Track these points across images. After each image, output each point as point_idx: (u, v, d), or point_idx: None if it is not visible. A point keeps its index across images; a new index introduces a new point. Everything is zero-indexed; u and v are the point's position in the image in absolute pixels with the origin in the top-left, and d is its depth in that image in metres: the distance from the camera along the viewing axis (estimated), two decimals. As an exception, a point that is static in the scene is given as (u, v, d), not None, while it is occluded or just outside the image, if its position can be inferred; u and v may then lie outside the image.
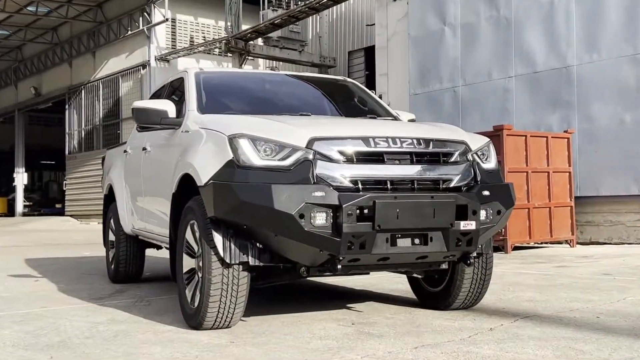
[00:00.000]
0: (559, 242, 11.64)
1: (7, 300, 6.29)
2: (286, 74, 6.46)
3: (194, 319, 4.52)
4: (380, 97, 16.06)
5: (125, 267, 7.33)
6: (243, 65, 21.25)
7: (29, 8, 25.93)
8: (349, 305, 5.47)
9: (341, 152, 4.20)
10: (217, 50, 22.55)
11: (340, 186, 4.11)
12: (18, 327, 4.87)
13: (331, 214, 4.01)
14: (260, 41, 21.20)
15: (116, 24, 25.92)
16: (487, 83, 13.52)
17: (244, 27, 21.14)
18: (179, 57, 23.72)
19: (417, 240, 4.24)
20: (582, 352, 3.74)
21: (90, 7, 26.11)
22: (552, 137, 11.58)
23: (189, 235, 4.69)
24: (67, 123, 29.35)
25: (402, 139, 4.36)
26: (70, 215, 28.18)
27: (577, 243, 11.72)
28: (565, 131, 11.93)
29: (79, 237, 19.04)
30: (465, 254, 4.54)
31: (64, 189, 30.31)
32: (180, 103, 5.64)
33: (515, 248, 10.85)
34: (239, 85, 6.16)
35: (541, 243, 11.42)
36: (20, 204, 33.63)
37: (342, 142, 4.24)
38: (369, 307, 5.40)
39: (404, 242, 4.21)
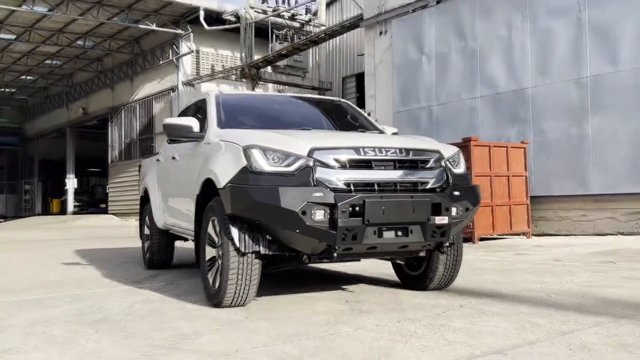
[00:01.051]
0: (517, 234, 11.62)
1: (60, 284, 6.28)
2: (291, 96, 6.45)
3: (215, 299, 4.52)
4: (369, 114, 16.06)
5: (158, 256, 7.34)
6: (255, 89, 21.28)
7: (79, 42, 25.95)
8: (343, 286, 5.47)
9: (336, 160, 4.20)
10: (233, 76, 22.59)
11: (336, 188, 4.11)
12: (69, 306, 4.86)
13: (328, 211, 4.00)
14: (269, 69, 21.23)
15: (150, 55, 25.93)
16: (457, 103, 13.52)
17: (256, 57, 21.17)
18: (202, 82, 23.72)
19: (399, 232, 4.23)
20: (537, 324, 3.74)
21: (129, 41, 26.14)
22: (511, 147, 11.56)
23: (210, 229, 4.69)
24: (110, 137, 29.35)
25: (386, 149, 4.36)
26: (112, 214, 28.17)
27: (532, 235, 11.70)
28: (522, 142, 11.92)
29: (119, 231, 19.00)
30: (440, 244, 4.53)
31: (107, 191, 30.33)
32: (202, 120, 5.63)
33: (481, 239, 10.82)
34: (252, 105, 6.17)
35: (502, 235, 11.40)
36: (70, 204, 33.63)
37: (337, 152, 4.24)
38: (360, 288, 5.39)
39: (389, 234, 4.20)
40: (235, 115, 5.62)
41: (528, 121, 12.21)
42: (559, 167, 11.71)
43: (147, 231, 7.66)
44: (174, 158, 6.30)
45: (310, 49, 21.98)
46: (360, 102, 19.75)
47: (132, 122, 27.56)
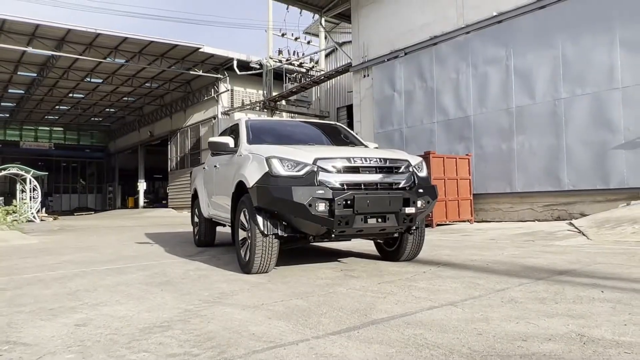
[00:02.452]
0: (464, 221, 11.58)
1: (134, 258, 6.26)
2: (300, 121, 6.39)
3: (246, 268, 4.50)
4: (356, 134, 16.10)
5: (204, 237, 7.28)
6: (273, 116, 21.24)
7: (146, 84, 25.94)
8: (338, 259, 5.43)
9: (333, 166, 4.20)
10: (257, 107, 22.50)
11: (334, 187, 4.10)
12: (141, 273, 4.84)
13: (328, 204, 3.99)
14: (284, 102, 21.19)
15: (198, 93, 25.85)
16: (420, 126, 13.48)
17: (274, 93, 21.14)
18: (235, 112, 23.67)
19: (379, 219, 4.21)
20: (479, 285, 3.71)
21: (182, 83, 26.08)
22: (458, 158, 11.51)
23: (242, 218, 4.66)
24: (169, 152, 29.26)
25: (370, 159, 4.34)
26: (172, 207, 28.06)
27: (475, 221, 11.65)
28: (467, 155, 11.88)
29: (176, 220, 18.97)
30: (409, 227, 4.52)
31: (167, 191, 30.24)
32: (236, 138, 5.60)
33: (438, 224, 10.80)
34: (271, 127, 6.13)
35: (453, 221, 11.36)
36: (141, 201, 33.53)
37: (334, 161, 4.23)
38: (351, 260, 5.35)
39: (372, 220, 4.18)
40: (259, 135, 5.61)
41: (471, 139, 12.17)
42: (493, 172, 11.67)
43: (196, 219, 7.62)
44: (215, 166, 6.28)
45: (313, 88, 21.91)
46: (350, 125, 19.72)
47: (185, 141, 27.50)
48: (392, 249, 5.15)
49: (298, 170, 4.14)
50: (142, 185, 33.65)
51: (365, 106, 15.47)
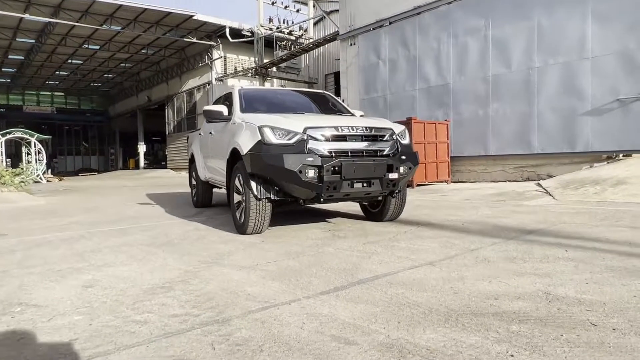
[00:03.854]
0: (441, 182, 11.67)
1: (136, 218, 6.22)
2: (290, 89, 6.22)
3: (241, 229, 4.49)
4: (343, 101, 15.82)
5: (202, 199, 7.23)
6: (265, 83, 20.81)
7: (143, 50, 25.11)
8: (327, 220, 5.44)
9: (322, 135, 4.13)
10: (250, 74, 21.97)
11: (322, 154, 4.04)
12: (143, 233, 4.82)
13: (317, 170, 3.95)
14: (274, 69, 20.68)
15: (192, 59, 25.12)
16: (403, 92, 13.31)
17: (265, 61, 20.63)
18: (228, 78, 23.14)
19: (365, 184, 4.20)
20: (454, 244, 3.75)
21: (177, 50, 25.28)
22: (438, 124, 11.45)
23: (237, 182, 4.61)
24: (167, 117, 28.71)
25: (356, 127, 4.27)
26: (170, 168, 27.85)
27: (452, 182, 11.75)
28: (445, 120, 11.83)
29: (175, 181, 18.83)
30: (392, 192, 4.52)
31: (166, 153, 29.91)
32: (230, 107, 5.47)
33: (418, 185, 10.86)
34: (263, 96, 5.96)
35: (431, 182, 11.44)
36: (142, 162, 33.20)
37: (323, 130, 4.15)
38: (339, 221, 5.35)
39: (358, 185, 4.17)
40: (251, 103, 5.47)
41: (450, 105, 12.08)
42: (470, 136, 11.66)
43: (194, 182, 7.54)
44: (210, 133, 6.14)
45: (303, 55, 21.38)
46: (337, 92, 19.42)
47: (182, 106, 26.95)
48: (376, 210, 5.17)
49: (289, 139, 4.07)
50: (142, 148, 33.18)
51: (352, 73, 15.17)
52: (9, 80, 32.18)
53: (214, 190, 7.34)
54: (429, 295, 2.41)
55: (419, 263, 3.12)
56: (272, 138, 4.09)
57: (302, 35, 21.86)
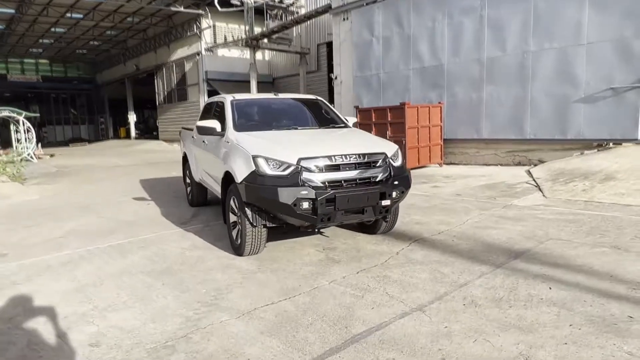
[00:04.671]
0: (435, 164, 11.74)
1: (132, 226, 6.21)
2: (283, 97, 6.06)
3: (238, 250, 4.58)
4: (335, 78, 15.62)
5: (197, 198, 7.24)
6: (255, 55, 20.32)
7: (128, 19, 24.27)
8: (321, 232, 5.35)
9: (316, 166, 4.16)
10: (240, 44, 21.40)
11: (317, 186, 4.09)
12: (142, 252, 4.87)
13: (311, 203, 4.02)
14: (265, 40, 20.17)
15: (180, 28, 24.43)
16: (397, 72, 13.15)
17: (256, 29, 20.10)
18: (218, 48, 22.61)
19: (358, 212, 4.28)
20: (444, 274, 3.88)
21: (164, 18, 24.48)
22: (431, 107, 11.44)
23: (232, 203, 4.66)
24: (156, 87, 28.22)
25: (350, 155, 4.28)
26: (162, 140, 27.66)
27: (444, 164, 11.87)
28: (439, 102, 11.80)
29: (168, 156, 18.70)
30: (385, 216, 4.61)
31: (157, 124, 29.60)
32: (222, 119, 5.41)
33: (411, 169, 10.88)
34: (256, 107, 5.88)
35: (425, 165, 11.51)
36: (132, 131, 32.90)
37: (316, 160, 4.17)
38: (333, 233, 5.31)
39: (352, 214, 4.26)
40: (245, 117, 5.44)
41: (444, 87, 12.01)
42: (463, 119, 11.67)
43: (188, 180, 7.53)
44: (204, 142, 6.05)
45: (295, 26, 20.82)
46: (330, 65, 19.10)
47: (171, 76, 26.44)
48: (370, 224, 5.20)
49: (283, 170, 4.11)
50: (132, 117, 32.78)
51: (345, 49, 14.88)
52: (-10, 49, 31.15)
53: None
54: (419, 361, 2.56)
55: (409, 308, 3.26)
56: (266, 169, 4.12)
57: (293, 3, 21.16)
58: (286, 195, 3.97)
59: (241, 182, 4.27)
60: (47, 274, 4.34)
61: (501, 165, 11.01)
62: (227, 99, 5.73)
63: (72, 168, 15.59)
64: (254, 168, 4.17)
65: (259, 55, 22.56)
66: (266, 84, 23.50)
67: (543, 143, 10.27)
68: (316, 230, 4.25)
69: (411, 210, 6.55)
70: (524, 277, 3.76)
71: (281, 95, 6.05)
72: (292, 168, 4.10)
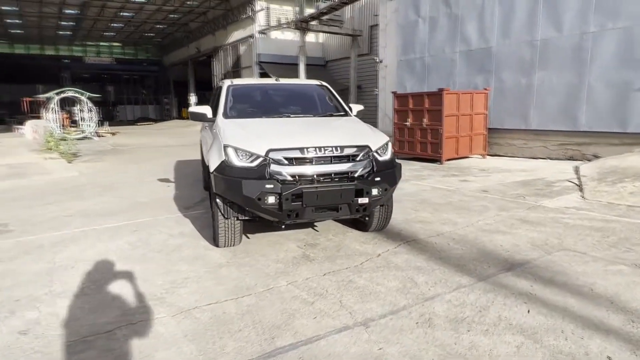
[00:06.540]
0: (477, 155, 10.94)
1: (142, 208, 6.24)
2: (283, 83, 5.78)
3: (215, 241, 4.45)
4: (381, 61, 14.99)
5: (208, 183, 7.19)
6: (305, 37, 20.06)
7: (188, 2, 25.00)
8: (314, 225, 5.09)
9: (285, 158, 3.89)
10: (291, 26, 21.19)
11: (285, 180, 3.84)
12: (130, 237, 4.88)
13: (277, 197, 3.77)
14: (315, 22, 19.83)
15: (237, 11, 24.76)
16: (442, 55, 12.34)
17: (307, 11, 19.82)
18: (271, 31, 22.62)
19: (331, 210, 3.98)
20: (415, 284, 3.50)
21: (222, 1, 24.96)
22: (475, 93, 10.60)
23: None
24: (213, 69, 29.04)
25: (325, 148, 3.95)
26: (218, 121, 28.44)
27: (488, 155, 11.02)
28: (485, 89, 10.90)
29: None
30: (364, 216, 4.26)
31: (215, 105, 30.48)
32: (217, 102, 5.29)
33: (447, 160, 10.27)
34: (253, 93, 5.66)
35: (464, 156, 10.76)
36: (194, 112, 34.19)
37: (286, 152, 3.90)
38: (324, 227, 5.03)
39: (323, 211, 3.96)
40: (239, 103, 5.25)
41: (492, 72, 11.07)
42: (510, 107, 10.73)
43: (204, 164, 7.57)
44: (206, 127, 6.04)
45: (346, 7, 20.23)
46: (375, 50, 18.37)
47: (227, 58, 26.99)
48: (362, 220, 4.88)
49: (251, 162, 3.89)
50: (193, 99, 34.02)
51: (390, 31, 14.20)
52: (69, 33, 33.60)
53: None
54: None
55: (354, 321, 2.94)
56: (234, 160, 3.93)
57: (346, -17, 20.53)
58: (250, 189, 3.76)
59: (213, 172, 4.12)
60: (34, 253, 4.48)
61: (550, 159, 9.99)
62: (225, 83, 5.57)
63: (126, 147, 16.44)
64: (224, 158, 3.99)
65: (312, 37, 22.29)
66: (318, 67, 23.23)
67: (599, 136, 9.14)
68: (283, 226, 3.98)
69: (422, 206, 6.08)
70: (504, 295, 3.27)
71: (282, 81, 5.78)
72: (259, 160, 3.87)
